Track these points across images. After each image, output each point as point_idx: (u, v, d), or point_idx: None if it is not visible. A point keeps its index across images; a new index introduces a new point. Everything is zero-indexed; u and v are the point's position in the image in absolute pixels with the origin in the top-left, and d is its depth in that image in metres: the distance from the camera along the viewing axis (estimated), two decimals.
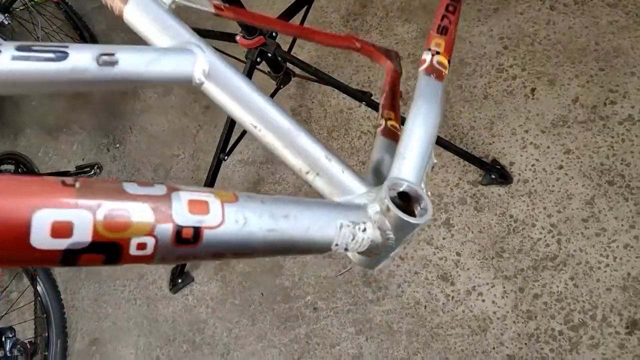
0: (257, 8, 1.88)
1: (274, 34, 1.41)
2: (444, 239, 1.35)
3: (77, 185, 0.28)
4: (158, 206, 0.29)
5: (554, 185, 1.31)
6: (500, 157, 1.37)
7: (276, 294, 1.45)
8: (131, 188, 0.29)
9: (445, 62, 0.61)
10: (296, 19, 1.47)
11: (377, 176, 0.46)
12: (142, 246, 0.29)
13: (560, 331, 1.20)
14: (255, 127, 0.46)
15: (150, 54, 0.43)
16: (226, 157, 1.43)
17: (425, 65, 0.59)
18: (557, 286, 1.23)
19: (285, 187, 1.57)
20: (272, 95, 1.50)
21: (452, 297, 1.29)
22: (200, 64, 0.45)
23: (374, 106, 1.36)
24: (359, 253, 0.41)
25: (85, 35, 2.02)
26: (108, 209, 0.28)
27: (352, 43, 0.73)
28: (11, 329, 1.41)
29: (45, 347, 1.59)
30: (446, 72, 0.59)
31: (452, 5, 0.68)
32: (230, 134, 1.42)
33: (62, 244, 0.26)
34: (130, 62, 0.41)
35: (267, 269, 1.49)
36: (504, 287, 1.27)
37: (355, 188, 0.43)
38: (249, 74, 1.40)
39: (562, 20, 1.45)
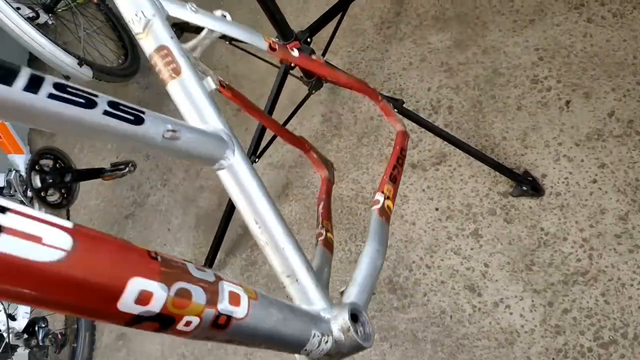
0: (290, 14, 1.90)
1: (308, 39, 1.43)
2: (472, 249, 1.34)
3: (159, 259, 0.31)
4: (211, 293, 0.33)
5: (587, 200, 1.29)
6: (532, 169, 1.36)
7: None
8: (193, 270, 0.33)
9: (392, 206, 0.73)
10: (330, 26, 1.49)
11: (323, 287, 0.52)
12: (188, 324, 0.32)
13: (589, 348, 1.18)
14: (257, 223, 0.52)
15: (196, 134, 0.48)
16: (257, 160, 1.45)
17: (378, 207, 0.71)
18: (588, 302, 1.21)
19: (313, 191, 1.58)
20: (304, 101, 1.52)
21: (479, 309, 1.28)
22: (227, 153, 0.50)
23: (406, 114, 1.37)
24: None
25: (123, 36, 2.08)
26: (179, 287, 0.31)
27: (303, 145, 0.81)
28: (44, 319, 1.45)
29: (74, 340, 1.63)
30: (391, 215, 0.71)
31: (401, 158, 0.84)
32: (262, 137, 1.45)
33: (138, 310, 0.29)
34: (186, 138, 0.46)
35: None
36: (532, 301, 1.25)
37: (321, 302, 0.50)
38: (282, 79, 1.42)
39: (600, 33, 1.43)
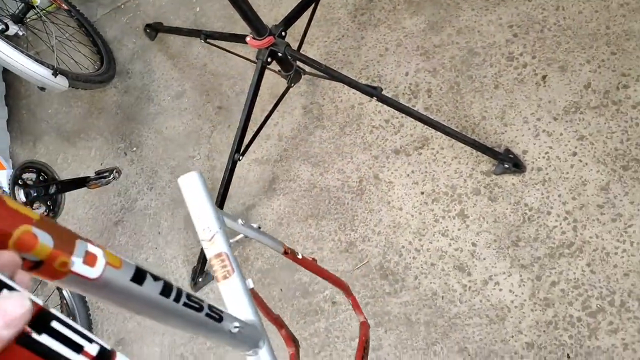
0: (263, 8, 1.89)
1: (283, 32, 1.42)
2: (459, 229, 1.36)
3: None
4: (63, 242, 0.37)
5: (568, 172, 1.31)
6: (512, 146, 1.37)
7: (295, 290, 1.48)
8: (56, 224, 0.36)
9: None
10: (305, 17, 1.49)
11: None
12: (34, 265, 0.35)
13: (578, 317, 1.21)
14: None
15: (248, 328, 0.59)
16: (241, 157, 1.45)
17: None
18: (574, 273, 1.24)
19: (299, 184, 1.59)
20: (284, 94, 1.52)
21: (469, 287, 1.31)
22: (260, 343, 0.61)
23: (384, 100, 1.37)
24: None
25: (97, 41, 2.05)
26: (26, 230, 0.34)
27: (276, 322, 0.90)
28: None
29: None
30: None
31: (367, 348, 0.93)
32: (244, 134, 1.45)
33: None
34: (244, 331, 0.57)
35: (285, 265, 1.52)
36: (520, 276, 1.28)
37: None
38: (260, 75, 1.42)
39: (572, 5, 1.44)
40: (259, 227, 0.89)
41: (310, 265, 1.00)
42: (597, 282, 1.21)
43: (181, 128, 1.88)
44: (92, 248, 0.37)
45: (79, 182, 1.62)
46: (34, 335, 0.26)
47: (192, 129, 1.86)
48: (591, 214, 1.26)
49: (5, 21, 1.61)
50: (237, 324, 0.56)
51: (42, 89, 1.60)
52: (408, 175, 1.45)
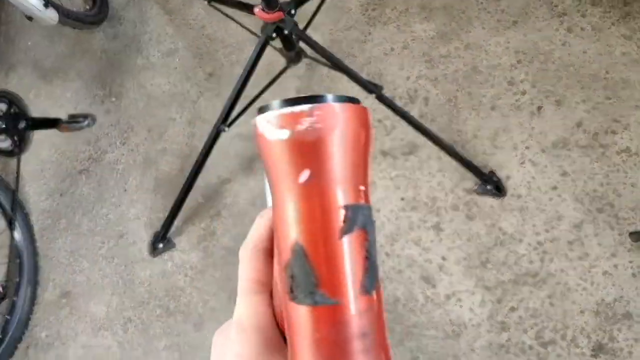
0: None
1: (292, 11, 1.38)
2: (431, 241, 1.37)
3: None
4: None
5: (546, 205, 1.34)
6: (498, 169, 1.39)
7: None
8: None
9: None
10: (316, 0, 1.45)
11: None
12: None
13: (530, 345, 1.24)
14: None
15: None
16: (226, 129, 1.41)
17: None
18: (534, 302, 1.27)
19: None
20: (281, 74, 1.48)
21: (432, 300, 1.32)
22: None
23: (383, 100, 1.36)
24: None
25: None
26: None
27: None
28: None
29: (14, 293, 1.56)
30: None
31: None
32: (235, 105, 1.40)
33: None
34: None
35: None
36: (482, 297, 1.30)
37: None
38: (261, 49, 1.37)
39: (578, 43, 1.46)
40: None
41: None
42: (554, 315, 1.25)
43: (166, 87, 1.81)
44: None
45: (51, 123, 1.54)
46: None
47: (178, 90, 1.79)
48: (560, 248, 1.29)
49: None
50: None
51: (30, 18, 1.50)
52: (391, 178, 1.45)
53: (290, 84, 1.66)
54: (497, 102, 1.45)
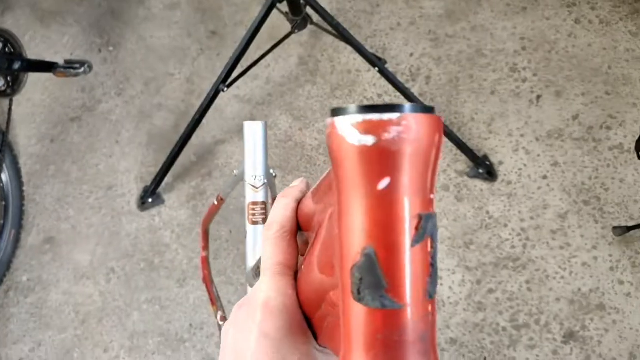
0: None
1: None
2: None
3: None
4: None
5: (534, 193, 1.35)
6: (491, 154, 1.40)
7: (244, 235, 1.46)
8: None
9: None
10: None
11: None
12: None
13: (504, 327, 1.27)
14: None
15: None
16: (226, 89, 1.40)
17: None
18: (512, 286, 1.30)
19: (276, 132, 1.55)
20: (285, 39, 1.46)
21: None
22: None
23: (385, 75, 1.35)
24: None
25: None
26: None
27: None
28: None
29: None
30: None
31: None
32: (236, 65, 1.39)
33: None
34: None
35: (240, 208, 1.49)
36: (463, 277, 1.32)
37: None
38: (267, 11, 1.35)
39: (584, 36, 1.46)
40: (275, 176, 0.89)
41: None
42: (530, 300, 1.28)
43: (167, 41, 1.78)
44: None
45: (46, 66, 1.51)
46: None
47: (178, 45, 1.76)
48: (543, 236, 1.32)
49: None
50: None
51: None
52: None
53: (293, 51, 1.64)
54: (498, 88, 1.45)
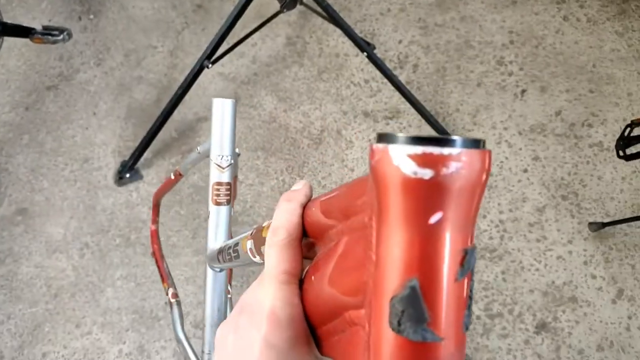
0: None
1: None
2: None
3: None
4: None
5: (514, 186, 1.37)
6: None
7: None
8: None
9: None
10: None
11: None
12: None
13: (478, 316, 1.30)
14: None
15: None
16: (210, 65, 1.37)
17: None
18: (488, 276, 1.32)
19: (260, 113, 1.53)
20: (273, 17, 1.43)
21: None
22: None
23: (373, 60, 1.34)
24: None
25: None
26: None
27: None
28: None
29: None
30: None
31: None
32: (222, 42, 1.36)
33: None
34: None
35: None
36: None
37: None
38: None
39: (571, 33, 1.48)
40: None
41: None
42: (504, 290, 1.30)
43: (150, 12, 1.73)
44: None
45: (23, 31, 1.45)
46: None
47: (162, 17, 1.71)
48: (520, 229, 1.34)
49: None
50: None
51: None
52: (370, 140, 1.45)
53: (281, 30, 1.61)
54: (484, 80, 1.46)
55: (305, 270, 0.28)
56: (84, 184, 1.56)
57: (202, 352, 0.74)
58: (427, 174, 0.18)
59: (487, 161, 0.19)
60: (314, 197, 0.29)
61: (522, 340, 1.26)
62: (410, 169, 0.19)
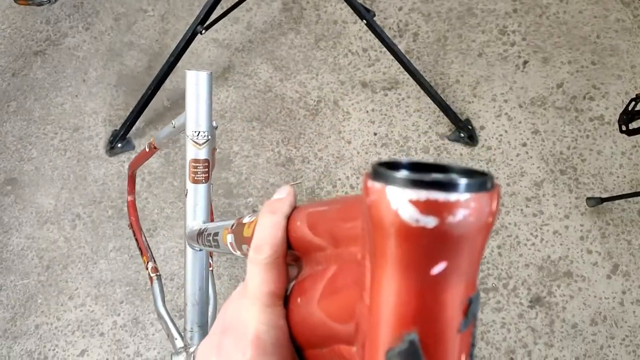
0: None
1: None
2: None
3: None
4: None
5: (512, 160, 1.36)
6: (473, 119, 1.38)
7: (219, 187, 1.43)
8: None
9: None
10: None
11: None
12: None
13: None
14: None
15: None
16: (204, 31, 1.32)
17: None
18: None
19: (255, 82, 1.49)
20: None
21: None
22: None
23: (373, 28, 1.29)
24: None
25: None
26: None
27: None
28: None
29: None
30: None
31: None
32: (215, 6, 1.30)
33: None
34: None
35: (217, 159, 1.44)
36: None
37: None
38: None
39: (576, 2, 1.43)
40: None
41: None
42: (500, 264, 1.30)
43: None
44: None
45: None
46: None
47: None
48: (518, 203, 1.33)
49: None
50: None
51: None
52: (367, 112, 1.41)
53: None
54: (485, 50, 1.42)
55: (291, 287, 0.26)
56: (74, 154, 1.53)
57: (185, 329, 0.73)
58: (430, 222, 0.16)
59: (496, 202, 0.17)
60: (299, 205, 0.26)
61: (516, 314, 1.26)
62: (411, 216, 0.16)
